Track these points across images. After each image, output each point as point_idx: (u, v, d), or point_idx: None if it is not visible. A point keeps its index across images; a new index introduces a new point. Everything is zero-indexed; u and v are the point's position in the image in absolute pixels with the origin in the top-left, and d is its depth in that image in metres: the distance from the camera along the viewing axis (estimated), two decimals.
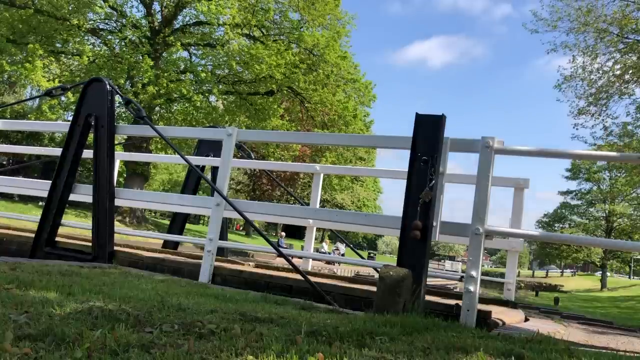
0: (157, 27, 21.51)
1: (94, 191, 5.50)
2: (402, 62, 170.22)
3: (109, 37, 21.78)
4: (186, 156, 6.12)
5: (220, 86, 21.44)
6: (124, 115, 19.80)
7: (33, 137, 26.22)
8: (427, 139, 3.80)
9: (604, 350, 2.69)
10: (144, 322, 2.04)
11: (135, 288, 3.16)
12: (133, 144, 17.32)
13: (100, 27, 22.23)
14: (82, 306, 2.24)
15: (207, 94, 21.97)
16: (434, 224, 3.74)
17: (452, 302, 3.81)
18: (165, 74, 20.03)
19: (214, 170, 7.32)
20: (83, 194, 5.85)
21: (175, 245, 7.39)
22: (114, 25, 22.01)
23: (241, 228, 45.53)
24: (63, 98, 19.59)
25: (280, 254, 5.04)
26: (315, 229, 6.50)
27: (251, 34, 22.24)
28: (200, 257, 4.98)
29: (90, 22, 21.35)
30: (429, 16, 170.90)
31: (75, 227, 7.55)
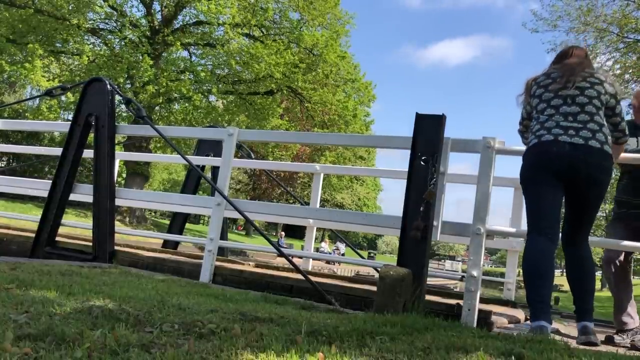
0: (157, 27, 21.49)
1: (94, 191, 5.50)
2: (422, 60, 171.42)
3: (109, 36, 21.77)
4: (187, 156, 6.11)
5: (220, 86, 21.43)
6: (124, 115, 19.80)
7: (33, 137, 26.21)
8: (427, 138, 3.80)
9: (604, 351, 2.69)
10: (144, 322, 2.04)
11: (136, 288, 3.16)
12: (133, 143, 17.31)
13: (100, 26, 22.22)
14: (82, 306, 2.24)
15: (206, 94, 21.97)
16: (435, 223, 3.75)
17: (453, 302, 3.81)
18: (165, 74, 20.02)
19: (214, 170, 7.32)
20: (83, 193, 5.86)
21: (175, 245, 7.39)
22: (114, 25, 22.01)
23: (242, 228, 45.54)
24: (63, 98, 19.58)
25: (281, 254, 5.04)
26: (315, 228, 6.50)
27: (251, 33, 22.24)
28: (200, 257, 4.98)
29: (90, 22, 21.34)
30: (449, 12, 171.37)
31: (76, 227, 7.54)
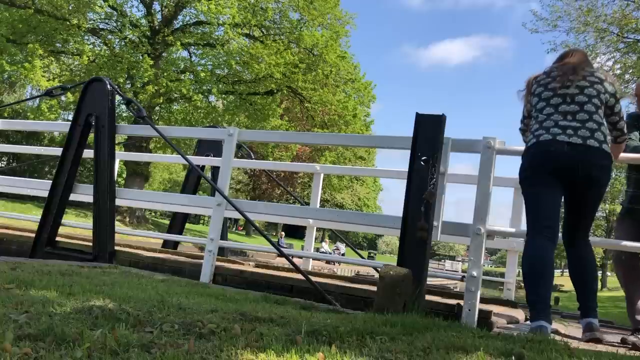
0: (157, 27, 21.49)
1: (94, 191, 5.50)
2: (423, 60, 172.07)
3: (109, 36, 21.76)
4: (187, 156, 6.11)
5: (220, 86, 21.43)
6: (124, 115, 19.80)
7: (33, 137, 26.19)
8: (428, 138, 3.80)
9: (604, 351, 2.69)
10: (144, 322, 2.04)
11: (136, 288, 3.16)
12: (133, 143, 17.32)
13: (100, 26, 22.22)
14: (82, 306, 2.24)
15: (206, 94, 21.97)
16: (435, 224, 3.75)
17: (453, 302, 3.81)
18: (165, 74, 20.02)
19: (214, 170, 7.32)
20: (83, 193, 5.86)
21: (175, 245, 7.40)
22: (114, 25, 22.01)
23: (242, 228, 45.54)
24: (63, 98, 19.58)
25: (281, 254, 5.04)
26: (315, 228, 6.50)
27: (251, 33, 22.23)
28: (200, 257, 4.98)
29: (90, 22, 21.34)
30: (449, 12, 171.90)
31: (76, 227, 7.54)
